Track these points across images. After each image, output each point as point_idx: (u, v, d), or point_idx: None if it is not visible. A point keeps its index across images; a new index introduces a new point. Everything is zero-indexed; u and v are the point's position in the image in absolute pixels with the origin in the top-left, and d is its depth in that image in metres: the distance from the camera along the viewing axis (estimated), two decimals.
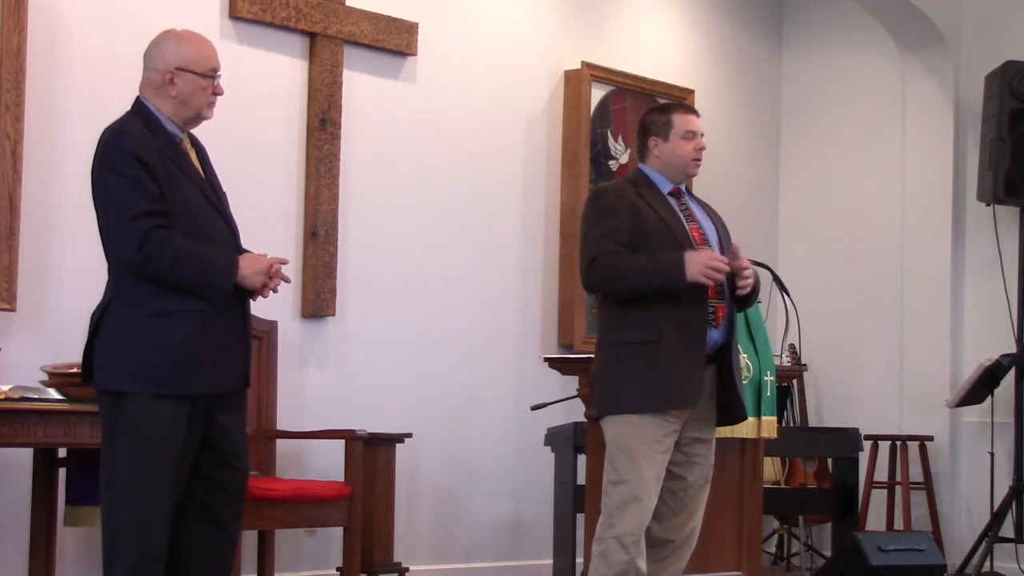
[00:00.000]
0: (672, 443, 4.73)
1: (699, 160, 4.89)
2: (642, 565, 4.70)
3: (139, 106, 4.11)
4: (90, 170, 4.05)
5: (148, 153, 3.97)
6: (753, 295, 4.87)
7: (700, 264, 4.61)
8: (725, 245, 4.86)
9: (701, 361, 4.71)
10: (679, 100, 8.08)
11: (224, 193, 4.20)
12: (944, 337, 8.24)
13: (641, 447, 4.67)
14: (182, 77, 4.07)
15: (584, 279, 4.81)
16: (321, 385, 6.56)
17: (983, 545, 7.47)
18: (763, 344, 6.06)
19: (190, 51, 4.10)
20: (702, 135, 4.91)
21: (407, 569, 6.37)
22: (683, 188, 4.93)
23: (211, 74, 4.12)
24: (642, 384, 4.67)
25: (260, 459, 5.99)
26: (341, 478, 5.87)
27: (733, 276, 4.80)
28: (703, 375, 4.73)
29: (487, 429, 7.21)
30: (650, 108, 5.18)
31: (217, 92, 4.14)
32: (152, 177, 3.96)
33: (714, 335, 4.75)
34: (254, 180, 6.25)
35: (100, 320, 4.04)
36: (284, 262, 4.16)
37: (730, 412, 4.85)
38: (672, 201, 4.85)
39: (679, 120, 4.88)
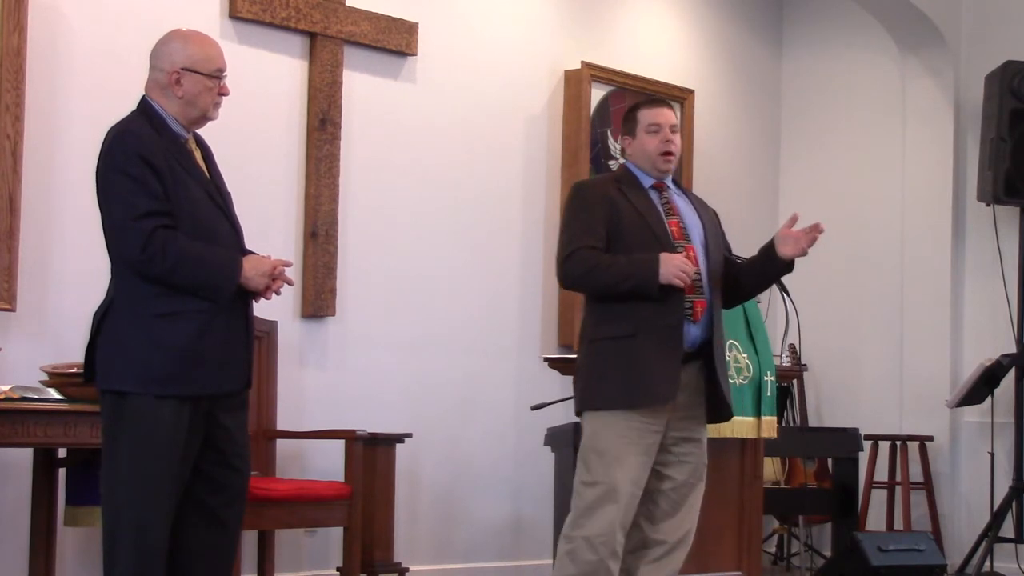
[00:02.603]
0: (652, 444, 4.66)
1: (669, 154, 4.77)
2: (613, 566, 4.63)
3: (144, 106, 4.11)
4: (95, 170, 4.05)
5: (153, 153, 3.97)
6: (789, 266, 4.77)
7: (675, 266, 4.55)
8: (711, 239, 4.78)
9: (677, 358, 4.63)
10: (680, 98, 8.10)
11: (228, 193, 4.21)
12: (944, 337, 8.24)
13: (616, 448, 4.61)
14: (188, 77, 4.07)
15: (559, 275, 4.76)
16: (321, 385, 6.56)
17: (983, 545, 7.46)
18: (763, 344, 6.06)
19: (197, 52, 4.10)
20: (672, 127, 4.79)
21: (407, 569, 6.37)
22: (668, 182, 4.84)
23: (217, 75, 4.12)
24: (616, 381, 4.62)
25: (260, 459, 5.98)
26: (341, 478, 5.87)
27: (723, 271, 4.77)
28: (678, 372, 4.63)
29: (487, 429, 7.21)
30: None
31: (223, 93, 4.15)
32: (157, 177, 3.96)
33: (693, 331, 4.67)
34: (254, 180, 6.25)
35: (103, 320, 4.04)
36: (288, 264, 4.16)
37: (714, 410, 4.78)
38: (654, 195, 4.78)
39: (643, 115, 4.81)
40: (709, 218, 4.88)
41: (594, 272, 4.65)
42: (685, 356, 4.67)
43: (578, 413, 4.80)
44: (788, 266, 4.77)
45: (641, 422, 4.63)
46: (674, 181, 4.90)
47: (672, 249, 4.66)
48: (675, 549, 4.79)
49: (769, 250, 4.75)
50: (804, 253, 4.71)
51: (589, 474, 4.66)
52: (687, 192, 4.95)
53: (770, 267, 4.79)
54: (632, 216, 4.70)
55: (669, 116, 4.82)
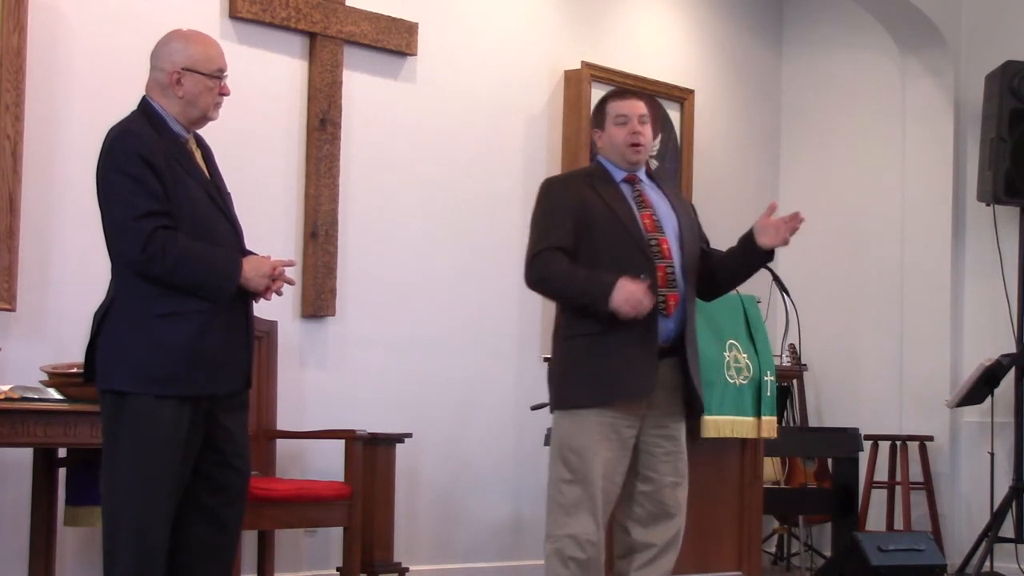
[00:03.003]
0: (627, 441, 4.61)
1: (638, 145, 4.69)
2: (602, 562, 4.61)
3: (145, 106, 4.11)
4: (95, 170, 4.05)
5: (153, 153, 3.98)
6: (769, 255, 4.70)
7: (627, 294, 4.44)
8: (686, 231, 4.71)
9: (652, 352, 4.56)
10: (680, 98, 8.10)
11: (229, 194, 4.21)
12: (944, 337, 8.24)
13: (593, 444, 4.56)
14: (189, 77, 4.07)
15: (525, 275, 4.70)
16: (321, 385, 6.56)
17: (983, 545, 7.46)
18: (763, 344, 6.06)
19: (197, 52, 4.10)
20: (641, 118, 4.71)
21: (407, 569, 6.37)
22: (640, 175, 4.76)
23: (218, 75, 4.12)
24: (588, 378, 4.57)
25: (260, 459, 5.98)
26: (341, 478, 5.87)
27: (701, 264, 4.72)
28: (655, 367, 4.57)
29: (487, 429, 7.21)
30: None
31: (224, 93, 4.15)
32: (157, 177, 3.96)
33: (667, 325, 4.59)
34: (254, 180, 6.25)
35: (103, 320, 4.04)
36: (290, 264, 4.16)
37: (687, 406, 4.70)
38: (626, 188, 4.71)
39: (611, 107, 4.74)
40: (685, 210, 4.80)
41: (554, 281, 4.61)
42: (660, 351, 4.59)
43: (551, 411, 4.74)
44: (768, 256, 4.70)
45: (615, 418, 4.58)
46: (648, 174, 4.82)
47: (644, 242, 4.60)
48: (665, 552, 4.71)
49: (749, 240, 4.68)
50: (785, 243, 4.65)
51: (569, 472, 4.60)
52: (661, 184, 4.85)
53: (751, 257, 4.72)
54: (603, 211, 4.63)
55: (638, 107, 4.74)
